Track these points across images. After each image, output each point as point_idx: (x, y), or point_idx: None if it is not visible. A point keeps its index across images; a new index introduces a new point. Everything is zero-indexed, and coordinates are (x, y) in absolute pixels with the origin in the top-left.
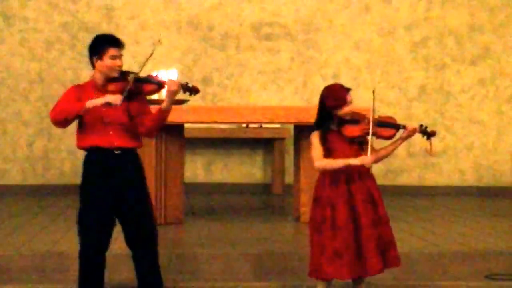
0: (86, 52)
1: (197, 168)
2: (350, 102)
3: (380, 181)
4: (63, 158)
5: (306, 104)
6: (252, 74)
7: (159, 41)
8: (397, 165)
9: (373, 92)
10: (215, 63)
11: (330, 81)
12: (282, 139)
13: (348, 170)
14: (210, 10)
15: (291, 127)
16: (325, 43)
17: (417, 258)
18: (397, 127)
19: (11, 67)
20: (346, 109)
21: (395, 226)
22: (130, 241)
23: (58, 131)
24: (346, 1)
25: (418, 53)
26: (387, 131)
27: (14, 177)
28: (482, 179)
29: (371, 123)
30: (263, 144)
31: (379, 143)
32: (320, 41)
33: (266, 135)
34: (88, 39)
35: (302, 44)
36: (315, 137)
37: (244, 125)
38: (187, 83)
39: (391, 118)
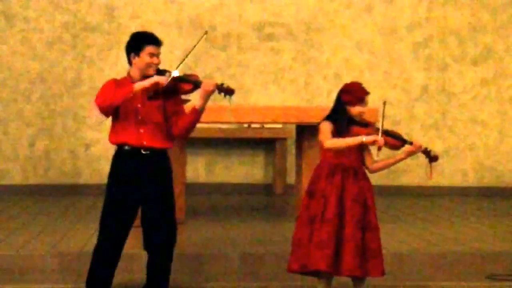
0: (87, 51)
1: (198, 168)
2: (365, 104)
3: (382, 181)
4: (64, 158)
5: (308, 104)
6: (254, 74)
7: (206, 32)
8: (399, 166)
9: (384, 103)
10: (216, 63)
11: (332, 81)
12: (284, 139)
13: (345, 167)
14: (211, 10)
15: (293, 127)
16: (326, 43)
17: (418, 259)
18: (403, 141)
19: (12, 67)
20: (358, 108)
21: (397, 226)
22: (147, 243)
23: (59, 131)
24: (348, 1)
25: (420, 53)
26: (393, 141)
27: (15, 177)
28: (484, 179)
29: (381, 121)
30: (265, 144)
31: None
32: (322, 41)
33: (267, 135)
34: (89, 38)
35: (303, 44)
36: (325, 124)
37: (245, 125)
38: (222, 84)
39: (397, 133)
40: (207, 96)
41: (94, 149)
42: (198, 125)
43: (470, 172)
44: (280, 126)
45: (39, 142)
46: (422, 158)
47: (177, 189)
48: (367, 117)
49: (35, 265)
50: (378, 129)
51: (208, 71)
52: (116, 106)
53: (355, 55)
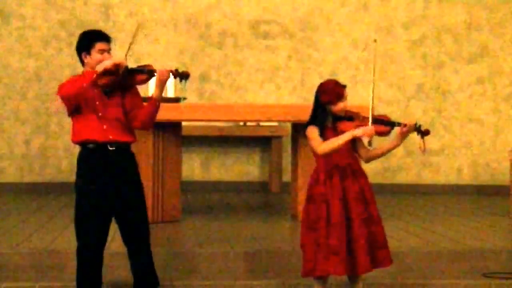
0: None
1: (194, 166)
2: (345, 98)
3: (378, 179)
4: (60, 155)
5: (304, 102)
6: (250, 72)
7: (138, 26)
8: (394, 164)
9: (375, 40)
10: (212, 61)
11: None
12: (280, 137)
13: (342, 167)
14: (207, 8)
15: (289, 125)
16: (322, 41)
17: (415, 257)
18: (391, 124)
19: (8, 64)
20: (340, 105)
21: (393, 224)
22: (125, 237)
23: (55, 129)
24: None
25: (415, 51)
26: (383, 128)
27: (11, 175)
28: (480, 177)
29: (370, 109)
30: (261, 142)
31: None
32: (318, 39)
33: (263, 133)
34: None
35: (299, 42)
36: (312, 130)
37: (241, 123)
38: (176, 70)
39: (385, 116)
40: (163, 84)
41: None
42: (194, 123)
43: (466, 170)
44: (276, 124)
45: (35, 140)
46: (418, 156)
47: (173, 187)
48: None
49: (31, 262)
50: (365, 118)
51: (204, 69)
52: (81, 93)
53: (351, 53)
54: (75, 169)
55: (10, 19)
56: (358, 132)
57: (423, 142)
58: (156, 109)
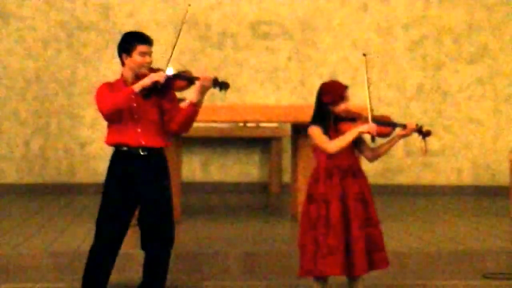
0: (82, 50)
1: (194, 167)
2: (347, 99)
3: (377, 180)
4: (60, 157)
5: (304, 103)
6: (250, 73)
7: (189, 5)
8: (394, 165)
9: (364, 55)
10: (212, 62)
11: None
12: (280, 138)
13: (343, 168)
14: (207, 9)
15: (289, 126)
16: (322, 42)
17: (415, 257)
18: (393, 125)
19: (7, 65)
20: (342, 106)
21: (393, 225)
22: (146, 242)
23: (55, 130)
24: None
25: (415, 52)
26: (384, 129)
27: (11, 176)
28: (480, 178)
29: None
30: (261, 143)
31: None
32: (318, 40)
33: (263, 134)
34: (85, 37)
35: (299, 43)
36: (316, 130)
37: (241, 124)
38: (217, 79)
39: (386, 117)
40: (205, 90)
41: (89, 148)
42: (194, 124)
43: (466, 170)
44: (276, 125)
45: (35, 141)
46: (418, 157)
47: (173, 188)
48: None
49: (31, 264)
50: (366, 118)
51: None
52: (121, 110)
53: (351, 54)
54: (74, 170)
55: (9, 20)
56: (363, 128)
57: (425, 143)
58: (195, 113)
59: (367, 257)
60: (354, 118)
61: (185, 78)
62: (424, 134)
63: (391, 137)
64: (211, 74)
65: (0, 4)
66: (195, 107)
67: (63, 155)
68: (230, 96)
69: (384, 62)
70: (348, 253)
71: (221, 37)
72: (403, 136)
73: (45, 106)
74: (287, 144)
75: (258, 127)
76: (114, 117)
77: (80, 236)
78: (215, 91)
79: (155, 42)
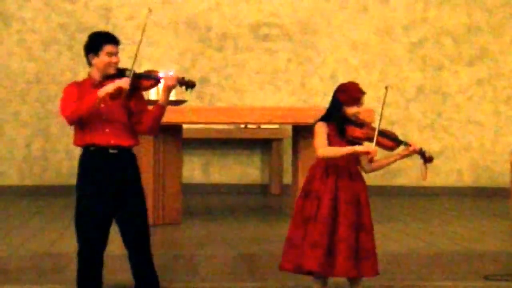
0: (83, 52)
1: (195, 169)
2: (361, 104)
3: (378, 181)
4: (61, 158)
5: (304, 104)
6: (250, 75)
7: (149, 10)
8: (394, 166)
9: (386, 88)
10: (212, 64)
11: (328, 82)
12: (280, 139)
13: (340, 167)
14: (207, 11)
15: (289, 127)
16: (322, 43)
17: (414, 259)
18: (398, 142)
19: (8, 67)
20: (354, 109)
21: (393, 226)
22: (126, 240)
23: (55, 131)
24: (344, 1)
25: (415, 53)
26: (388, 142)
27: (12, 178)
28: (480, 179)
29: (379, 121)
30: (261, 144)
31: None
32: (318, 42)
33: (264, 135)
34: (85, 39)
35: (299, 45)
36: (320, 127)
37: (242, 126)
38: (183, 78)
39: (393, 133)
40: (169, 90)
41: None
42: (194, 126)
43: (466, 172)
44: (276, 126)
45: (36, 143)
46: (418, 159)
47: (174, 189)
48: (363, 117)
49: (32, 265)
50: (374, 129)
51: (204, 71)
52: (86, 116)
53: (351, 55)
54: (75, 171)
55: (10, 22)
56: (360, 148)
57: (426, 168)
58: (161, 114)
59: (353, 262)
60: (362, 124)
61: (151, 78)
62: (427, 159)
63: (393, 153)
64: (214, 81)
65: (1, 6)
66: (162, 108)
67: (64, 157)
68: (230, 98)
69: (383, 64)
70: (330, 252)
71: (221, 39)
72: (405, 156)
73: (46, 108)
74: (287, 146)
75: (258, 128)
76: (75, 122)
77: None
78: (216, 92)
79: (155, 44)
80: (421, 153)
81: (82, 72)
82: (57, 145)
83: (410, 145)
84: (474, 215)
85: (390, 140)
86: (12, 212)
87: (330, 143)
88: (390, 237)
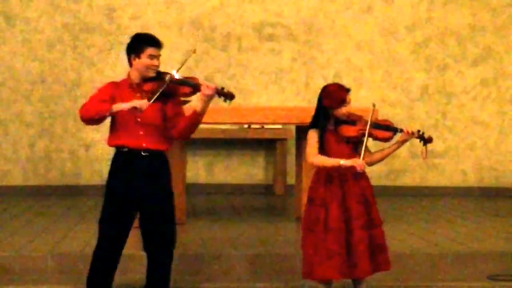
0: (87, 52)
1: (199, 169)
2: (348, 103)
3: (382, 181)
4: (65, 158)
5: (308, 104)
6: (254, 75)
7: (194, 51)
8: (399, 166)
9: (373, 105)
10: (217, 64)
11: (332, 82)
12: (284, 139)
13: (342, 170)
14: (212, 11)
15: (293, 127)
16: (327, 43)
17: (419, 259)
18: (394, 130)
19: (12, 67)
20: (343, 110)
21: (397, 226)
22: (147, 244)
23: (59, 131)
24: (348, 1)
25: (420, 53)
26: (383, 134)
27: (16, 178)
28: (484, 179)
29: (368, 125)
30: (265, 144)
31: (374, 145)
32: (322, 42)
33: (268, 135)
34: (89, 39)
35: (304, 45)
36: (312, 135)
37: (245, 126)
38: (222, 88)
39: (387, 121)
40: (208, 99)
41: (94, 150)
42: (199, 126)
43: (470, 172)
44: (280, 126)
45: (40, 143)
46: (420, 160)
47: (178, 189)
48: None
49: (36, 265)
50: (367, 123)
51: (209, 71)
52: (97, 121)
53: (355, 55)
54: (79, 172)
55: (14, 22)
56: (347, 162)
57: (426, 149)
58: (196, 121)
59: (370, 259)
60: (354, 121)
61: (189, 85)
62: (426, 140)
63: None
64: (218, 82)
65: (5, 6)
66: (198, 115)
67: (68, 157)
68: (234, 98)
69: (388, 64)
70: (350, 255)
71: (225, 39)
72: (404, 141)
73: (50, 108)
74: (291, 146)
75: (262, 128)
76: (87, 122)
77: (85, 238)
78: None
79: None
80: (419, 135)
81: (86, 72)
82: (61, 145)
83: (407, 131)
84: (479, 215)
85: (385, 131)
86: (16, 212)
87: (330, 149)
88: (394, 237)
